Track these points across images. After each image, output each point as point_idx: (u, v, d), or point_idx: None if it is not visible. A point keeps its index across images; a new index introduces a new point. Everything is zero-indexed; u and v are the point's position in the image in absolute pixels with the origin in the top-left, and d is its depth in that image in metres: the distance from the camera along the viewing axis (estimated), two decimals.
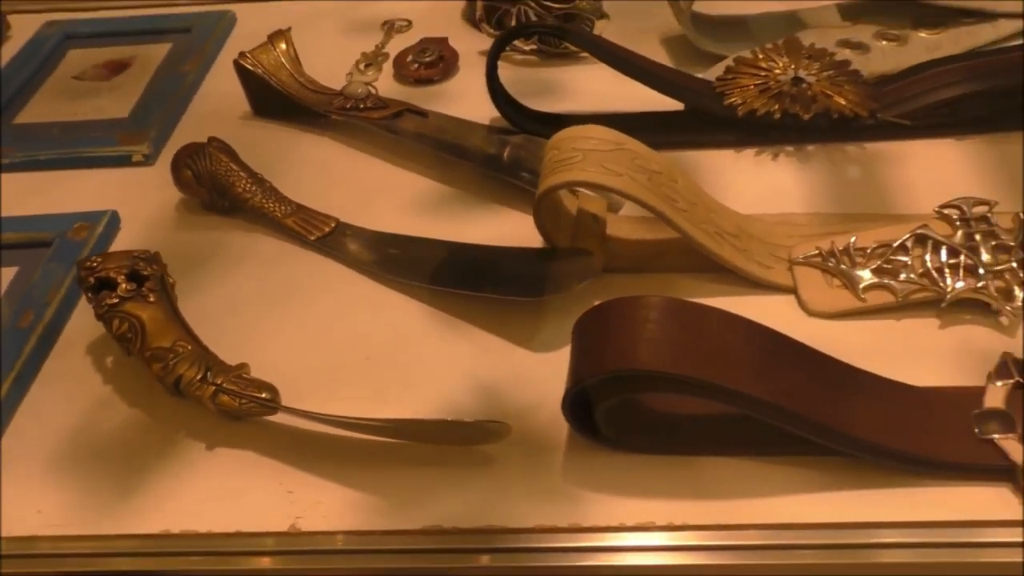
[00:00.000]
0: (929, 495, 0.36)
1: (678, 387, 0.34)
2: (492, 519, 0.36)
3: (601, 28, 0.65)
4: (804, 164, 0.52)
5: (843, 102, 0.52)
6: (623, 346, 0.35)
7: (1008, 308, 0.41)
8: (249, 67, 0.59)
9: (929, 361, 0.40)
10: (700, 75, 0.57)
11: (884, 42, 0.59)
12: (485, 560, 0.35)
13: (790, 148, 0.53)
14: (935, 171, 0.51)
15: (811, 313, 0.43)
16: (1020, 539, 0.34)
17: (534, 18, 0.61)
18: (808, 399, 0.34)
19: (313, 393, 0.42)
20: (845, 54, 0.58)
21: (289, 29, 0.61)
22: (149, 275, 0.43)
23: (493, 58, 0.54)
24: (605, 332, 0.36)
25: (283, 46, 0.60)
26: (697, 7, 0.63)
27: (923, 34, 0.59)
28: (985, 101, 0.52)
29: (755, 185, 0.52)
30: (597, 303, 0.38)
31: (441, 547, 0.36)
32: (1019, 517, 0.34)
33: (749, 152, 0.54)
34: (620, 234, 0.47)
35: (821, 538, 0.35)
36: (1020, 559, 0.34)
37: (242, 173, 0.52)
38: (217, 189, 0.51)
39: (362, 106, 0.57)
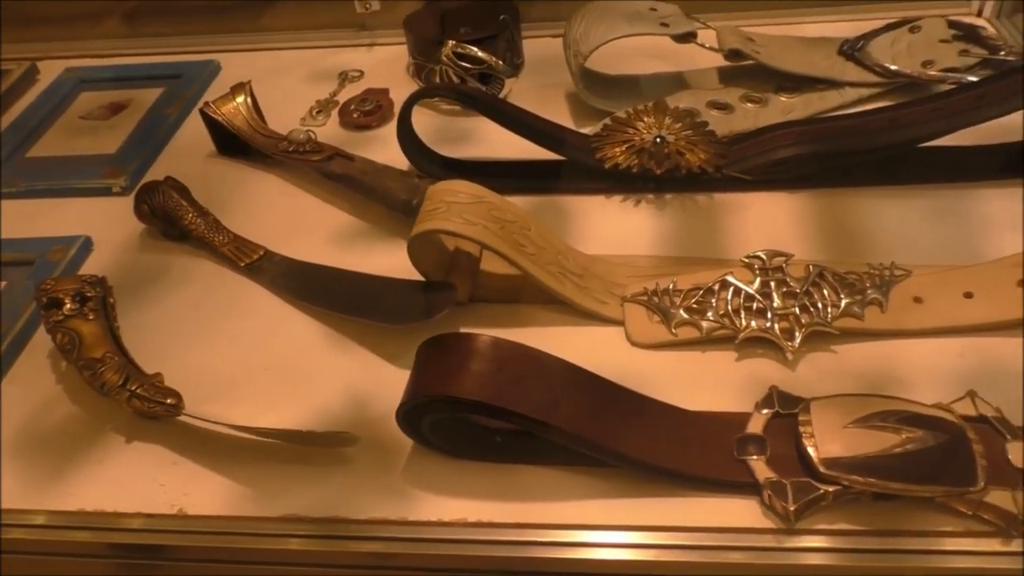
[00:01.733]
0: (693, 505, 0.38)
1: (483, 411, 0.37)
2: (338, 511, 0.39)
3: (516, 83, 0.67)
4: (660, 211, 0.54)
5: (694, 159, 0.53)
6: (445, 374, 0.38)
7: (789, 345, 0.43)
8: (211, 114, 0.61)
9: (723, 388, 0.42)
10: (586, 129, 0.59)
11: (748, 104, 0.61)
12: (316, 545, 0.38)
13: (651, 196, 0.55)
14: (768, 220, 0.52)
15: (634, 344, 0.45)
16: (766, 544, 0.36)
17: (454, 77, 0.63)
18: (587, 421, 0.37)
19: (219, 398, 0.45)
20: (712, 114, 0.60)
21: (249, 82, 0.63)
22: (92, 296, 0.46)
23: (403, 116, 0.56)
24: (434, 360, 0.39)
25: (241, 97, 0.62)
26: (599, 67, 0.65)
27: (782, 97, 0.61)
28: (813, 160, 0.53)
29: (617, 228, 0.53)
30: (435, 335, 0.40)
31: (291, 532, 0.39)
32: (763, 525, 0.36)
33: (617, 199, 0.55)
34: (491, 269, 0.49)
35: (599, 538, 0.37)
36: (763, 560, 0.36)
37: (189, 207, 0.54)
38: (168, 220, 0.54)
39: (302, 149, 0.59)
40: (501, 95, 0.64)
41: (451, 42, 0.62)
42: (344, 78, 0.71)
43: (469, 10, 0.70)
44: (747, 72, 0.62)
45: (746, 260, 0.45)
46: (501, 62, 0.63)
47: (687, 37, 0.60)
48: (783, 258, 0.45)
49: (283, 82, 0.72)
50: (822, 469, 0.35)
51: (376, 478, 0.40)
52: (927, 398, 0.39)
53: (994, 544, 0.35)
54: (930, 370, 0.42)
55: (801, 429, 0.37)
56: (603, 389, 0.38)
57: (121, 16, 0.80)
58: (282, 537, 0.38)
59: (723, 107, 0.60)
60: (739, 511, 0.37)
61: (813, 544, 0.36)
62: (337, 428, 0.42)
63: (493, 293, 0.49)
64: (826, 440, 0.36)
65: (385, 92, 0.67)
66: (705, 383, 0.43)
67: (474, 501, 0.39)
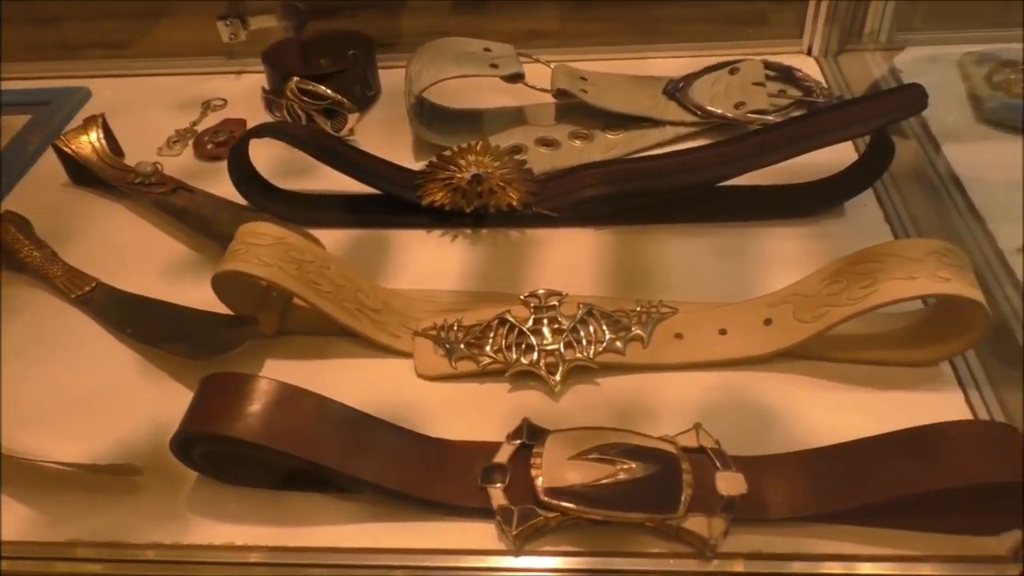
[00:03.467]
0: (443, 529, 0.42)
1: (239, 444, 0.41)
2: (120, 535, 0.43)
3: (370, 113, 0.71)
4: (474, 245, 0.58)
5: (504, 198, 0.58)
6: (210, 411, 0.41)
7: (552, 379, 0.47)
8: (62, 147, 0.65)
9: (493, 419, 0.46)
10: (422, 163, 0.63)
11: (576, 140, 0.65)
12: (98, 568, 0.42)
13: (468, 231, 0.59)
14: (570, 256, 0.57)
15: (420, 375, 0.49)
16: (493, 565, 0.40)
17: (299, 112, 0.67)
18: (332, 451, 0.41)
19: (31, 428, 0.48)
20: (539, 151, 0.64)
21: (101, 115, 0.67)
22: None
23: (234, 156, 0.59)
24: (206, 397, 0.42)
25: (93, 130, 0.66)
26: (447, 100, 0.69)
27: (608, 135, 0.65)
28: (615, 199, 0.58)
29: (432, 262, 0.57)
30: (211, 373, 0.44)
31: (72, 556, 0.42)
32: (498, 547, 0.41)
33: (437, 233, 0.59)
34: (300, 303, 0.53)
35: (356, 560, 0.41)
36: None
37: (26, 241, 0.58)
38: (6, 253, 0.58)
39: (147, 182, 0.63)
40: (346, 129, 0.68)
41: (295, 78, 0.66)
42: (207, 107, 0.74)
43: (327, 43, 0.74)
44: (580, 109, 0.67)
45: (523, 298, 0.50)
46: (343, 98, 0.67)
47: (515, 78, 0.64)
48: (557, 296, 0.50)
49: (149, 110, 0.75)
50: (543, 497, 0.40)
51: (162, 504, 0.44)
52: (669, 428, 0.44)
53: (693, 564, 0.39)
54: (679, 402, 0.47)
55: (532, 460, 0.41)
56: (358, 422, 0.43)
57: None
58: (63, 561, 0.42)
59: (550, 143, 0.65)
60: (481, 535, 0.41)
61: (537, 565, 0.40)
62: (136, 457, 0.46)
63: (302, 326, 0.52)
64: (551, 471, 0.40)
65: (242, 123, 0.71)
66: (478, 414, 0.47)
67: (245, 526, 0.43)
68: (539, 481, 0.40)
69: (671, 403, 0.47)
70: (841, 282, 0.45)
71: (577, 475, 0.40)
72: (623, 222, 0.58)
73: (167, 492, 0.45)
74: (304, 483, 0.44)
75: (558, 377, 0.47)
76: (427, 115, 0.67)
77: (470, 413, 0.47)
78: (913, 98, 0.51)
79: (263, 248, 0.49)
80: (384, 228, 0.60)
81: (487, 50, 0.65)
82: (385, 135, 0.68)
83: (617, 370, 0.48)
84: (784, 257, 0.55)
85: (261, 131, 0.58)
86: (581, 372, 0.48)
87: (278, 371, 0.51)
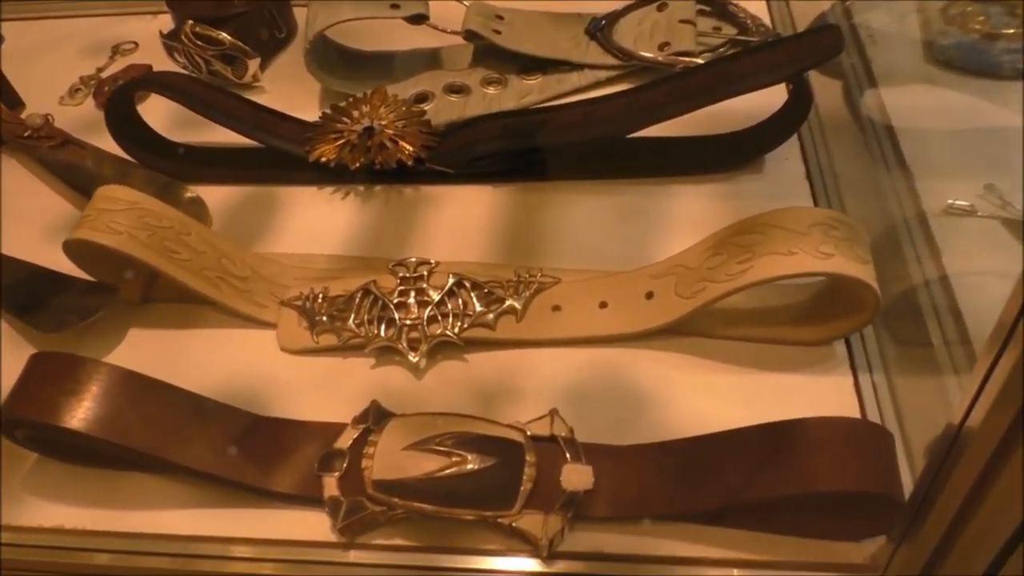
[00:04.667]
0: (278, 517, 0.40)
1: (52, 431, 0.38)
2: None
3: (282, 56, 0.67)
4: (365, 204, 0.55)
5: (393, 153, 0.53)
6: (26, 394, 0.39)
7: (413, 356, 0.44)
8: None
9: (353, 397, 0.43)
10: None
11: (490, 87, 0.60)
12: None
13: (361, 188, 0.56)
14: (464, 215, 0.53)
15: (282, 349, 0.47)
16: (320, 558, 0.38)
17: (198, 59, 0.63)
18: (152, 437, 0.38)
19: None
20: (449, 99, 0.60)
21: None
22: None
23: (110, 111, 0.56)
24: (26, 378, 0.40)
25: None
26: (364, 40, 0.65)
27: (524, 80, 0.60)
28: (516, 155, 0.53)
29: (320, 222, 0.54)
30: (41, 352, 0.42)
31: None
32: (330, 539, 0.39)
33: (328, 190, 0.56)
34: None
35: (178, 547, 0.40)
36: (316, 573, 0.38)
37: None
38: None
39: (37, 135, 0.60)
40: (248, 76, 0.63)
41: (190, 22, 0.62)
42: (116, 52, 0.70)
43: None
44: (498, 51, 0.62)
45: (391, 267, 0.46)
46: (243, 43, 0.62)
47: (418, 19, 0.59)
48: (427, 266, 0.46)
49: (56, 55, 0.72)
50: (370, 491, 0.37)
51: (3, 484, 0.43)
52: (534, 411, 0.41)
53: (529, 564, 0.37)
54: (548, 382, 0.43)
55: (365, 449, 0.39)
56: (191, 406, 0.40)
57: None
58: None
59: (460, 90, 0.60)
60: (317, 524, 0.39)
61: (364, 560, 0.38)
62: None
63: (171, 293, 0.50)
64: (382, 462, 0.38)
65: (147, 68, 0.67)
66: (337, 391, 0.44)
67: (79, 508, 0.41)
68: (369, 473, 0.38)
69: (539, 383, 0.43)
70: (722, 254, 0.41)
71: (409, 467, 0.37)
72: (524, 179, 0.54)
73: (8, 472, 0.43)
74: (144, 466, 0.42)
75: (420, 354, 0.44)
76: (333, 60, 0.62)
77: (329, 390, 0.44)
78: (827, 42, 0.46)
79: (115, 214, 0.46)
80: (275, 185, 0.57)
81: None
82: (295, 81, 0.64)
83: (488, 346, 0.45)
84: (691, 218, 0.50)
85: (134, 84, 0.55)
86: (450, 348, 0.45)
87: (141, 341, 0.49)
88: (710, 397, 0.42)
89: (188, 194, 0.54)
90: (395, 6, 0.59)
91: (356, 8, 0.58)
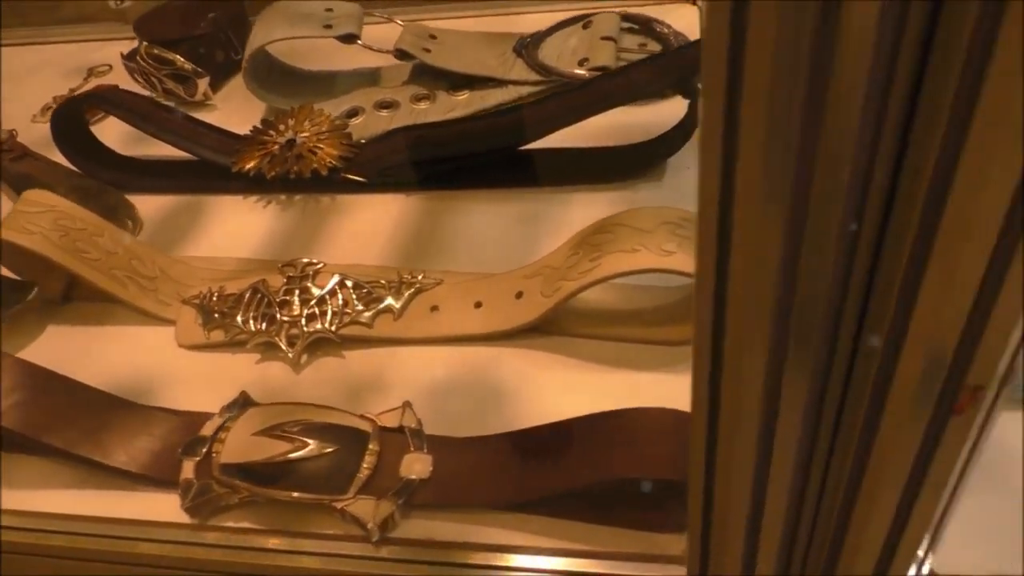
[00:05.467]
0: (140, 498, 0.41)
1: None
2: None
3: (232, 81, 0.71)
4: (284, 212, 0.57)
5: (313, 163, 0.56)
6: None
7: (291, 351, 0.46)
8: None
9: (236, 389, 0.45)
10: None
11: (419, 103, 0.63)
12: None
13: (283, 197, 0.58)
14: (374, 223, 0.55)
15: (179, 344, 0.49)
16: (172, 538, 0.40)
17: (153, 79, 0.67)
18: (21, 417, 0.41)
19: None
20: (379, 114, 0.62)
21: None
22: None
23: (55, 124, 0.60)
24: None
25: None
26: (309, 60, 0.68)
27: (452, 96, 0.62)
28: (428, 164, 0.55)
29: (240, 229, 0.57)
30: None
31: None
32: (175, 520, 0.40)
33: (252, 199, 0.59)
34: None
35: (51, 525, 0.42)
36: (169, 552, 0.40)
37: None
38: None
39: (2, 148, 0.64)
40: (199, 94, 0.67)
41: (144, 44, 0.66)
42: (91, 73, 0.75)
43: (202, 9, 0.73)
44: (431, 69, 0.64)
45: (280, 268, 0.49)
46: (194, 64, 0.66)
47: (349, 38, 0.62)
48: (314, 267, 0.48)
49: (38, 77, 0.77)
50: (215, 473, 0.39)
51: None
52: (398, 404, 0.42)
53: (359, 549, 0.38)
54: (417, 377, 0.44)
55: (220, 434, 0.40)
56: (68, 391, 0.43)
57: None
58: None
59: (390, 106, 0.62)
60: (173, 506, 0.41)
61: (211, 540, 0.39)
62: None
63: (91, 292, 0.53)
64: (232, 446, 0.39)
65: (114, 88, 0.71)
66: (222, 384, 0.46)
67: None
68: (218, 457, 0.39)
69: (409, 379, 0.45)
70: (578, 253, 0.42)
71: (254, 452, 0.39)
72: (435, 188, 0.56)
73: None
74: (30, 449, 0.44)
75: (297, 349, 0.46)
76: (276, 78, 0.65)
77: (215, 383, 0.46)
78: (694, 57, 0.47)
79: (33, 215, 0.49)
80: (207, 194, 0.60)
81: (328, 10, 0.63)
82: (246, 100, 0.67)
83: (365, 343, 0.46)
84: (584, 224, 0.51)
85: (78, 98, 0.58)
86: (329, 344, 0.47)
87: (55, 337, 0.52)
88: (568, 393, 0.42)
89: (120, 201, 0.57)
90: (328, 26, 0.62)
91: (291, 28, 0.61)
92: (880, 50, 0.16)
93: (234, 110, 0.67)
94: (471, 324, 0.46)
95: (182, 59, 0.66)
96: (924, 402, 0.22)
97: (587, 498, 0.37)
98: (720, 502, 0.28)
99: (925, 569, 0.30)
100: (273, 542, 0.39)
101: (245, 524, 0.40)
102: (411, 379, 0.45)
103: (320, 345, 0.47)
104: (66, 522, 0.41)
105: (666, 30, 0.62)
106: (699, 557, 0.30)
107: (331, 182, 0.57)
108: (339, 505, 0.38)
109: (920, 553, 0.28)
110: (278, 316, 0.47)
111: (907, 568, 0.29)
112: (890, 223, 0.20)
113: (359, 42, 0.62)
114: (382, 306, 0.46)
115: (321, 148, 0.57)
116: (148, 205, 0.59)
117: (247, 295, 0.48)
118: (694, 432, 0.26)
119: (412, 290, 0.47)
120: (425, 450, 0.39)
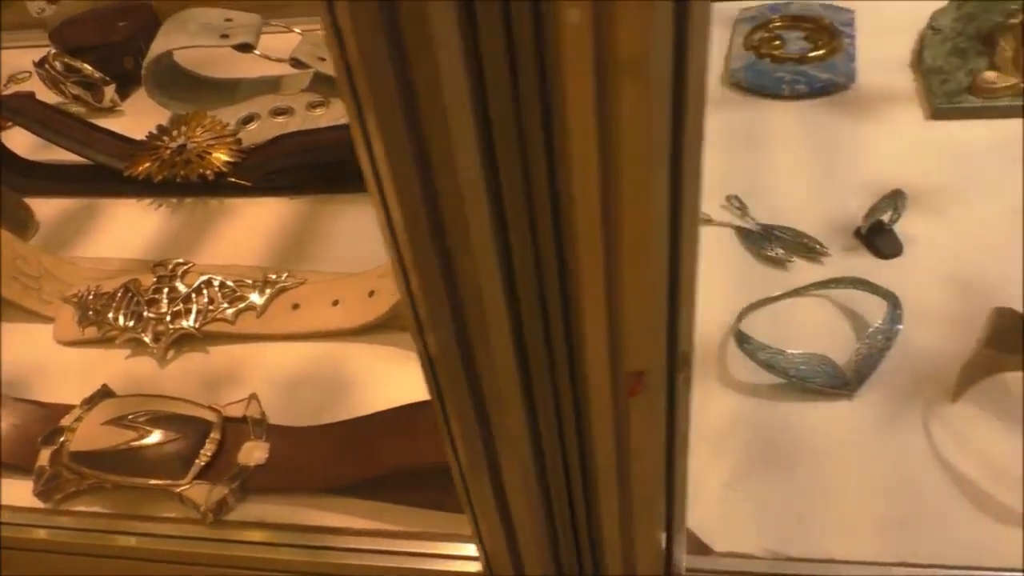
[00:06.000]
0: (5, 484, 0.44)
1: None
2: None
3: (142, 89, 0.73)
4: (173, 215, 0.60)
5: (200, 168, 0.59)
6: None
7: (155, 347, 0.48)
8: None
9: (107, 381, 0.47)
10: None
11: (315, 109, 0.65)
12: None
13: (174, 200, 0.61)
14: (255, 225, 0.57)
15: (57, 341, 0.51)
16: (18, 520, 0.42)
17: (61, 86, 0.69)
18: None
19: None
20: (274, 120, 0.64)
21: None
22: None
23: None
24: None
25: None
26: (209, 69, 0.70)
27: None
28: (309, 169, 0.58)
29: (131, 231, 0.59)
30: None
31: None
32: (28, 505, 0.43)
33: (146, 202, 0.61)
34: None
35: None
36: (15, 535, 0.42)
37: None
38: None
39: None
40: (107, 100, 0.69)
41: (52, 51, 0.69)
42: (10, 80, 0.78)
43: (115, 17, 0.75)
44: (329, 77, 0.67)
45: (152, 268, 0.51)
46: (101, 72, 0.68)
47: (244, 47, 0.64)
48: (183, 266, 0.51)
49: None
50: (64, 461, 0.41)
51: None
52: (260, 395, 0.44)
53: (196, 531, 0.40)
54: (274, 371, 0.47)
55: (72, 424, 0.43)
56: None
57: None
58: None
59: (285, 112, 0.65)
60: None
61: (62, 524, 0.42)
62: None
63: None
64: (81, 435, 0.42)
65: (28, 95, 0.74)
66: (93, 378, 0.48)
67: None
68: (67, 445, 0.42)
69: (265, 372, 0.47)
70: None
71: (101, 440, 0.41)
72: (318, 192, 0.58)
73: None
74: None
75: (162, 345, 0.48)
76: (179, 84, 0.68)
77: (87, 378, 0.48)
78: None
79: None
80: (104, 197, 0.62)
81: (228, 20, 0.66)
82: (154, 107, 0.70)
83: (230, 339, 0.49)
84: None
85: None
86: (194, 340, 0.49)
87: None
88: (406, 385, 0.44)
89: (17, 203, 0.60)
90: (224, 36, 0.64)
91: (190, 38, 0.64)
92: None
93: (141, 116, 0.69)
94: (328, 321, 0.48)
95: (89, 67, 0.68)
96: (607, 389, 0.25)
97: (408, 481, 0.39)
98: (471, 487, 0.30)
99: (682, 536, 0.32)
100: (118, 525, 0.41)
101: (96, 508, 0.42)
102: (268, 372, 0.47)
103: (186, 341, 0.49)
104: None
105: None
106: (476, 534, 0.33)
107: (219, 186, 0.59)
108: (177, 490, 0.40)
109: (665, 525, 0.31)
110: (145, 313, 0.49)
111: (656, 533, 0.31)
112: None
113: (256, 52, 0.65)
114: (245, 304, 0.49)
115: (210, 153, 0.59)
116: (48, 208, 0.61)
117: (119, 293, 0.50)
118: (438, 425, 0.28)
119: (275, 289, 0.49)
120: (264, 439, 0.42)
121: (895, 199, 0.47)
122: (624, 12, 0.17)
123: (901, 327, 0.42)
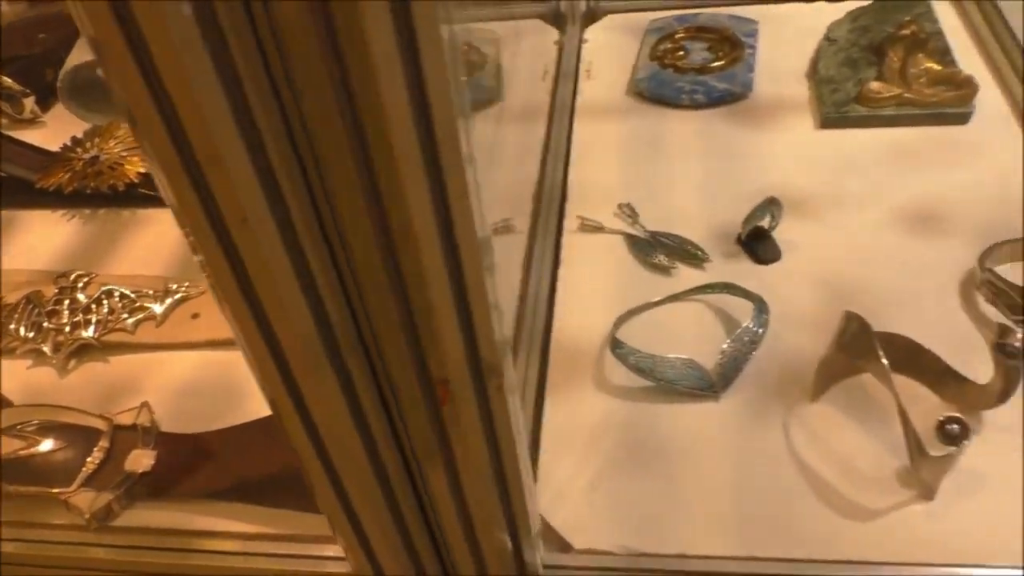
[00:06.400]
0: None
1: None
2: None
3: None
4: (86, 225, 0.61)
5: (111, 179, 0.60)
6: None
7: (53, 357, 0.49)
8: None
9: (9, 392, 0.49)
10: None
11: None
12: None
13: (87, 211, 0.62)
14: (170, 233, 0.58)
15: None
16: None
17: None
18: None
19: None
20: None
21: None
22: None
23: None
24: None
25: None
26: None
27: None
28: None
29: (44, 241, 0.60)
30: None
31: None
32: None
33: (60, 213, 0.62)
34: None
35: None
36: None
37: None
38: None
39: None
40: (27, 111, 0.70)
41: None
42: None
43: (31, 31, 0.76)
44: None
45: (55, 279, 0.52)
46: (18, 83, 0.69)
47: None
48: (85, 277, 0.52)
49: None
50: None
51: None
52: (156, 403, 0.46)
53: (81, 536, 0.41)
54: (171, 379, 0.48)
55: None
56: None
57: None
58: None
59: None
60: None
61: None
62: None
63: None
64: None
65: None
66: (58, 394, 0.49)
67: None
68: None
69: (163, 380, 0.48)
70: None
71: None
72: None
73: None
74: None
75: (61, 355, 0.49)
76: (99, 95, 0.69)
77: (52, 395, 0.49)
78: None
79: None
80: (21, 209, 0.63)
81: None
82: (75, 118, 0.71)
83: (129, 349, 0.50)
84: None
85: None
86: (95, 350, 0.50)
87: None
88: None
89: None
90: None
91: None
92: None
93: (62, 128, 0.70)
94: (226, 329, 0.49)
95: (8, 79, 0.69)
96: (419, 398, 0.27)
97: (289, 485, 0.40)
98: (318, 493, 0.31)
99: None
100: (5, 532, 0.42)
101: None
102: (165, 381, 0.48)
103: (86, 351, 0.50)
104: None
105: None
106: (336, 536, 0.34)
107: (132, 197, 0.60)
108: (63, 497, 0.41)
109: (508, 526, 0.33)
110: (46, 324, 0.50)
111: (499, 535, 0.33)
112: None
113: None
114: (144, 314, 0.50)
115: (122, 165, 0.60)
116: None
117: (21, 305, 0.51)
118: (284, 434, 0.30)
119: (175, 299, 0.51)
120: (153, 446, 0.43)
121: (770, 206, 0.49)
122: None
123: (763, 330, 0.44)
